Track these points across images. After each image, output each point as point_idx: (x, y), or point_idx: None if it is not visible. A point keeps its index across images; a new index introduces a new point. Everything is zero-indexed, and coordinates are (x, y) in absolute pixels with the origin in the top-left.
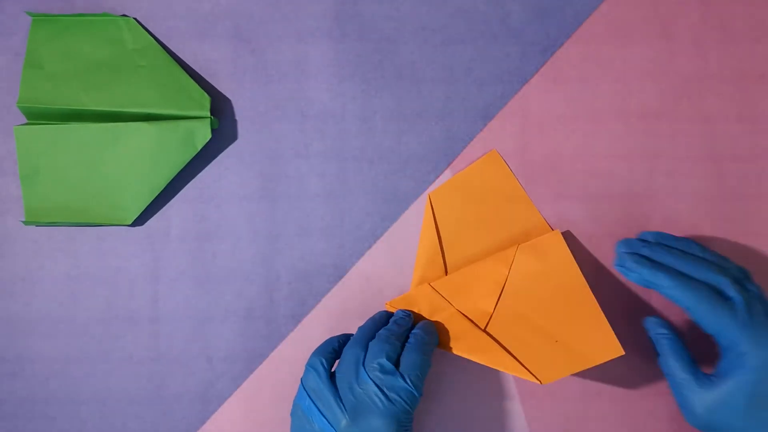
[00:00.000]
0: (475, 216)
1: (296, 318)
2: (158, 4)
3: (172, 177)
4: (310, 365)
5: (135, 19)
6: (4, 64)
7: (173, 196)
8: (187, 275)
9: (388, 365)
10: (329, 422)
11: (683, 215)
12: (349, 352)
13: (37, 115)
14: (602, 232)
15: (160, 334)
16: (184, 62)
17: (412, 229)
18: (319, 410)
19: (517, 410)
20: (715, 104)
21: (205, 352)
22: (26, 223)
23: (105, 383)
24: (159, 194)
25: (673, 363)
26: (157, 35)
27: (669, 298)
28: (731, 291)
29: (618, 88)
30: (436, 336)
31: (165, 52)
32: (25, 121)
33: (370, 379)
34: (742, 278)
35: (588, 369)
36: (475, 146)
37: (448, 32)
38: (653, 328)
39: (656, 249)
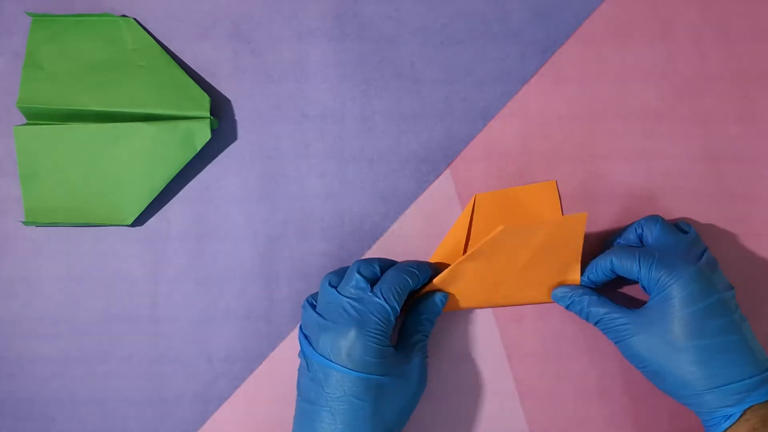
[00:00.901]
0: None
1: (296, 318)
2: (158, 4)
3: (171, 177)
4: (303, 307)
5: (135, 19)
6: (3, 64)
7: (173, 197)
8: (187, 275)
9: (359, 279)
10: (310, 344)
11: (683, 215)
12: (325, 278)
13: (37, 116)
14: (601, 233)
15: (160, 335)
16: (184, 62)
17: (412, 229)
18: (306, 338)
19: (516, 410)
20: (715, 104)
21: (205, 352)
22: (26, 223)
23: (105, 383)
24: (159, 194)
25: (596, 311)
26: (156, 35)
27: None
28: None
29: (618, 88)
30: (426, 269)
31: (165, 52)
32: (25, 121)
33: (342, 295)
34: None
35: (587, 369)
36: (475, 146)
37: (448, 32)
38: (564, 300)
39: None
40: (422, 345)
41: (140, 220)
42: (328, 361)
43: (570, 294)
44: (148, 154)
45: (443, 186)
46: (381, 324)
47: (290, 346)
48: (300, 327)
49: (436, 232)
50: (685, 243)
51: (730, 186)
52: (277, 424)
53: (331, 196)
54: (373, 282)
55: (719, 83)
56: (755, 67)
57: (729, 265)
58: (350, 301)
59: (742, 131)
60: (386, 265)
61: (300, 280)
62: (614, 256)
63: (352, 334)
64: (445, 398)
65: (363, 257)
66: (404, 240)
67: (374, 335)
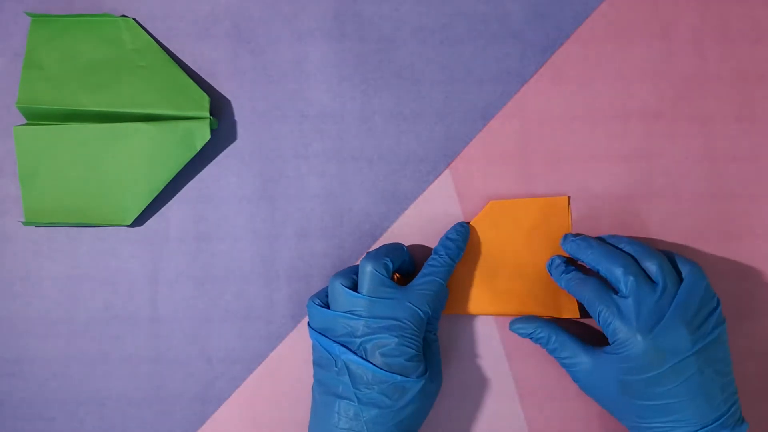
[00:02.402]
0: (514, 242)
1: (296, 318)
2: (158, 4)
3: (171, 177)
4: (308, 307)
5: (134, 19)
6: (3, 64)
7: (172, 197)
8: (187, 276)
9: (384, 279)
10: (334, 341)
11: (682, 215)
12: (335, 281)
13: (37, 116)
14: (601, 232)
15: (160, 335)
16: (184, 62)
17: (411, 229)
18: (330, 338)
19: (516, 410)
20: (714, 104)
21: (204, 352)
22: (26, 223)
23: (104, 384)
24: (158, 195)
25: (554, 349)
26: (156, 35)
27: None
28: (621, 285)
29: (617, 88)
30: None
31: (164, 52)
32: (25, 121)
33: (370, 296)
34: (656, 268)
35: None
36: (475, 146)
37: (447, 32)
38: (522, 329)
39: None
40: (437, 344)
41: (140, 221)
42: (362, 360)
43: (531, 332)
44: (148, 154)
45: (443, 186)
46: (416, 329)
47: (290, 346)
48: (309, 325)
49: (436, 233)
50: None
51: (730, 186)
52: (277, 424)
53: (331, 196)
54: (391, 276)
55: (719, 83)
56: (755, 67)
57: (729, 265)
58: (383, 301)
59: (742, 131)
60: (395, 255)
61: (300, 280)
62: (589, 289)
63: (392, 340)
64: (444, 398)
65: (363, 256)
66: (404, 240)
67: (411, 340)
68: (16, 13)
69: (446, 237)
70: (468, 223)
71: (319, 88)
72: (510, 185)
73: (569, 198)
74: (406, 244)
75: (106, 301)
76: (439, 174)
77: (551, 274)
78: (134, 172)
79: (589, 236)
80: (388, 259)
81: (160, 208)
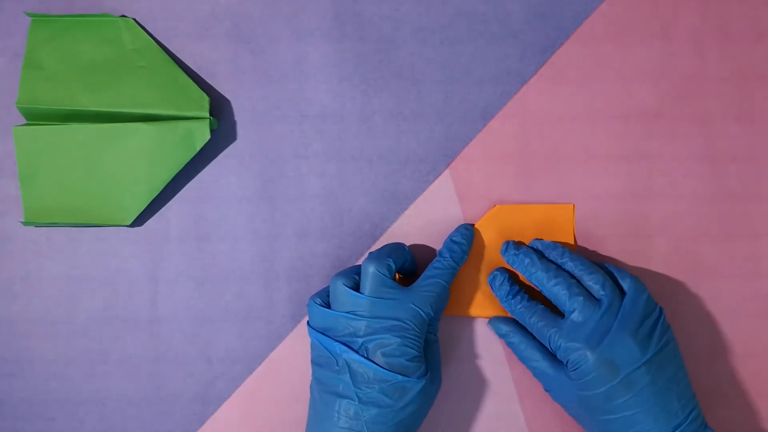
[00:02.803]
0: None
1: (295, 318)
2: (158, 5)
3: (171, 177)
4: (309, 306)
5: (134, 19)
6: (3, 64)
7: (172, 197)
8: (187, 276)
9: (386, 280)
10: (335, 339)
11: (682, 215)
12: (337, 281)
13: (37, 116)
14: (601, 233)
15: (160, 335)
16: (183, 63)
17: (411, 229)
18: (331, 337)
19: (515, 411)
20: (714, 104)
21: (204, 352)
22: (25, 223)
23: (104, 384)
24: (158, 195)
25: (522, 355)
26: (156, 35)
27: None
28: (567, 308)
29: (617, 88)
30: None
31: (164, 52)
32: (25, 121)
33: (374, 297)
34: (599, 286)
35: None
36: (475, 146)
37: (447, 32)
38: (498, 328)
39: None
40: (437, 345)
41: (140, 221)
42: (364, 359)
43: (504, 333)
44: (147, 154)
45: (443, 186)
46: (418, 330)
47: (290, 346)
48: (309, 324)
49: (436, 233)
50: (605, 315)
51: (730, 186)
52: (277, 424)
53: (331, 196)
54: (393, 276)
55: (719, 83)
56: (755, 67)
57: (729, 265)
58: (386, 302)
59: (742, 131)
60: (397, 255)
61: (299, 281)
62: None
63: (394, 340)
64: (444, 399)
65: (363, 256)
66: (404, 240)
67: (413, 340)
68: (16, 13)
69: (451, 240)
70: (473, 225)
71: (319, 88)
72: (510, 185)
73: (575, 206)
74: (407, 244)
75: (106, 301)
76: (439, 174)
77: (493, 290)
78: (134, 172)
79: (530, 249)
80: (390, 259)
81: (160, 208)
